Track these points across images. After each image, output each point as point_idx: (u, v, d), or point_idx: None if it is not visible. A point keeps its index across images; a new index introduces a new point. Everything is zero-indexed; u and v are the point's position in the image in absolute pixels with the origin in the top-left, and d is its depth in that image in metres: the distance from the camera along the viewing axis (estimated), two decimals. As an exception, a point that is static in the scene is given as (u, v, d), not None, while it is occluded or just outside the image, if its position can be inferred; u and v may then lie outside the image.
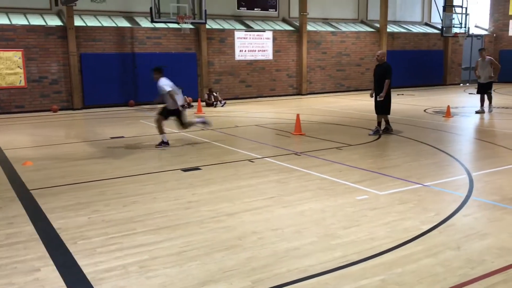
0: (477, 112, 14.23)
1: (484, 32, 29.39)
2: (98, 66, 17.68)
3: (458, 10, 24.90)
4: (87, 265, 4.16)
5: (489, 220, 5.15)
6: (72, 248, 4.53)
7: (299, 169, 7.57)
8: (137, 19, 19.31)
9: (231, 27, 20.76)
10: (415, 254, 4.26)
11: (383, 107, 10.60)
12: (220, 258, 4.27)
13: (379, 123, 10.86)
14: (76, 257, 4.34)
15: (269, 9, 21.94)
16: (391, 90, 10.64)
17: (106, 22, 18.43)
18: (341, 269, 4.01)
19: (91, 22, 18.20)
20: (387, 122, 10.89)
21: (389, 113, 10.78)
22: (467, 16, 24.89)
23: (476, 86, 15.05)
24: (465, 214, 5.35)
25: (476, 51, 28.10)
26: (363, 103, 18.01)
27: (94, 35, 17.63)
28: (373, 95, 10.79)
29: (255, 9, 21.59)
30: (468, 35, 25.48)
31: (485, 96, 14.39)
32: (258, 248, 4.46)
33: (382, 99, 10.40)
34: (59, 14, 17.98)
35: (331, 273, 3.93)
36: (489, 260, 4.13)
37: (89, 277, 3.94)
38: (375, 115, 10.85)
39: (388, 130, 10.83)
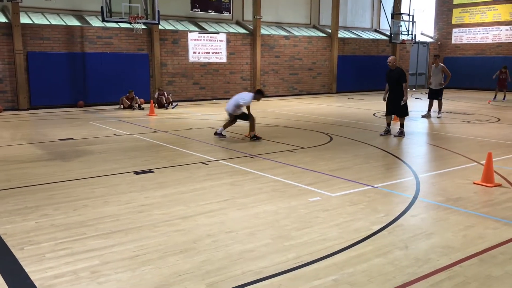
0: (423, 116, 14.80)
1: (429, 40, 30.65)
2: (46, 65, 17.09)
3: (405, 17, 25.86)
4: (35, 272, 4.01)
5: (434, 220, 5.38)
6: (18, 254, 4.36)
7: (253, 171, 7.62)
8: (87, 18, 18.82)
9: (184, 29, 20.62)
10: (366, 254, 4.39)
11: (402, 110, 11.14)
12: (174, 261, 4.24)
13: (388, 124, 11.39)
14: (23, 263, 4.18)
15: (223, 12, 21.94)
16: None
17: (55, 20, 17.85)
18: (295, 270, 4.07)
19: (39, 19, 17.57)
20: (401, 125, 11.30)
21: (407, 115, 11.34)
22: (414, 23, 25.91)
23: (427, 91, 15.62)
24: (412, 214, 5.56)
25: (422, 57, 29.45)
26: (315, 107, 18.34)
27: (42, 33, 17.02)
28: (385, 98, 11.41)
29: (209, 11, 21.53)
30: (414, 42, 26.51)
31: (434, 102, 14.94)
32: (212, 251, 4.46)
33: (405, 103, 10.98)
34: (3, 11, 17.26)
35: (284, 274, 3.99)
36: (434, 258, 4.31)
37: (37, 284, 3.81)
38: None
39: (401, 134, 11.20)
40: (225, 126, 10.90)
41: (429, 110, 14.93)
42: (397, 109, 11.19)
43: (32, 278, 3.90)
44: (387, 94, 11.38)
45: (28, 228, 5.04)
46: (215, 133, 10.94)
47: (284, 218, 5.38)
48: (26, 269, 4.06)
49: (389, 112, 11.40)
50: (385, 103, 11.44)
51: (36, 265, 4.14)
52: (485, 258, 4.33)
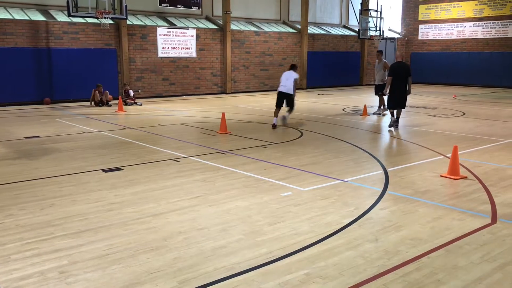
0: (374, 114, 14.65)
1: (397, 36, 31.18)
2: (10, 61, 16.59)
3: (373, 14, 26.21)
4: (0, 274, 3.90)
5: (403, 212, 5.48)
6: (-18, 256, 4.23)
7: (225, 167, 7.60)
8: (53, 13, 18.35)
9: (153, 24, 20.36)
10: (337, 248, 4.44)
11: (404, 103, 11.58)
12: (145, 260, 4.18)
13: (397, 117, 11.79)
14: (-13, 265, 4.06)
15: (192, 7, 21.77)
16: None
17: (18, 15, 17.33)
18: (267, 265, 4.08)
19: (1, 14, 17.03)
20: (398, 117, 11.73)
21: (404, 107, 11.69)
22: (382, 20, 26.30)
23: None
24: (381, 207, 5.65)
25: (390, 53, 29.91)
26: (286, 102, 18.37)
27: (4, 28, 16.51)
28: (388, 91, 11.79)
29: (178, 6, 21.33)
30: (382, 38, 26.91)
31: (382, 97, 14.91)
32: (184, 248, 4.43)
33: (409, 94, 11.57)
34: (-37, 5, 16.66)
35: (257, 270, 3.99)
36: (403, 250, 4.40)
37: (2, 286, 3.70)
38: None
39: (396, 124, 11.67)
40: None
41: (380, 106, 14.87)
42: (402, 101, 11.51)
43: (-3, 280, 3.80)
44: (389, 87, 11.63)
45: (-7, 229, 4.89)
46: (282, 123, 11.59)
47: (256, 214, 5.39)
48: (-9, 271, 3.94)
49: (395, 106, 11.60)
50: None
51: (1, 267, 4.02)
52: (451, 248, 4.44)
